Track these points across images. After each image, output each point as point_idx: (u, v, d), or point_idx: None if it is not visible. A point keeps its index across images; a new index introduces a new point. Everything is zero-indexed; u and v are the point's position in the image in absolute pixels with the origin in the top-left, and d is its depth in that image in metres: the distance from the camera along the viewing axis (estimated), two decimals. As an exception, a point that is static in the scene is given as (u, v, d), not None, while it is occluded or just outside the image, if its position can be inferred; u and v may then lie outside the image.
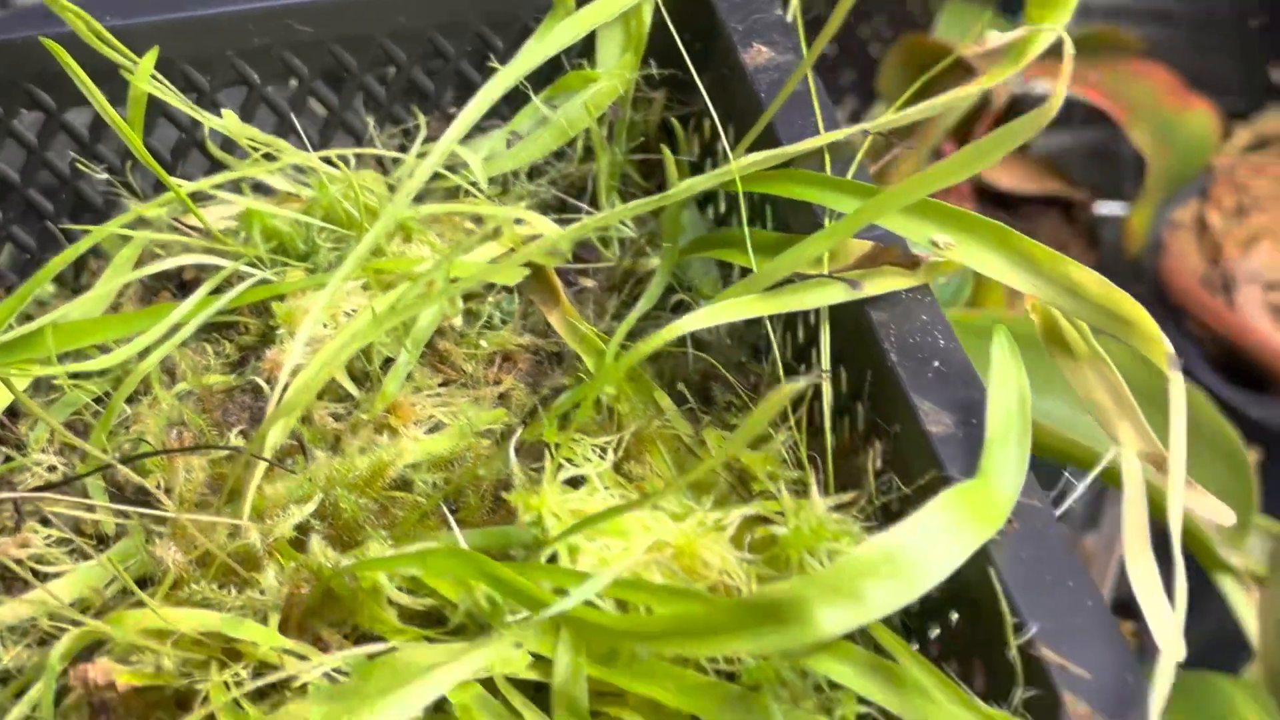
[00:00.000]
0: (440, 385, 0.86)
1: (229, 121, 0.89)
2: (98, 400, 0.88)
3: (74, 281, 0.98)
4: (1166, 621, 0.64)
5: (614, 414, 0.79)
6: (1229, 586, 1.20)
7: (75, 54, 0.86)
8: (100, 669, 0.68)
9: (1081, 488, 0.72)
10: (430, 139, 0.95)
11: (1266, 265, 1.73)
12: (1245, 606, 1.19)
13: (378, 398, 0.83)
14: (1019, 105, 2.10)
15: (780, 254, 0.72)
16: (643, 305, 0.85)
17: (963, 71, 1.74)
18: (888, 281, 0.74)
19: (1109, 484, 0.75)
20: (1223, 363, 1.72)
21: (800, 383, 0.51)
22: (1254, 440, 1.48)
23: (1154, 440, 0.72)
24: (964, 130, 1.74)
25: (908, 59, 1.75)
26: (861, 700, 0.66)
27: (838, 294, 0.72)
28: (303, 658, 0.70)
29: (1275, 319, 1.68)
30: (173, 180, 0.86)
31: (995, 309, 1.39)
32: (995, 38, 0.69)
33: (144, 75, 0.84)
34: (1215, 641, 1.29)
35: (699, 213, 0.95)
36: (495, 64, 0.95)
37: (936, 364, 0.71)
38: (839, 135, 0.81)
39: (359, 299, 0.88)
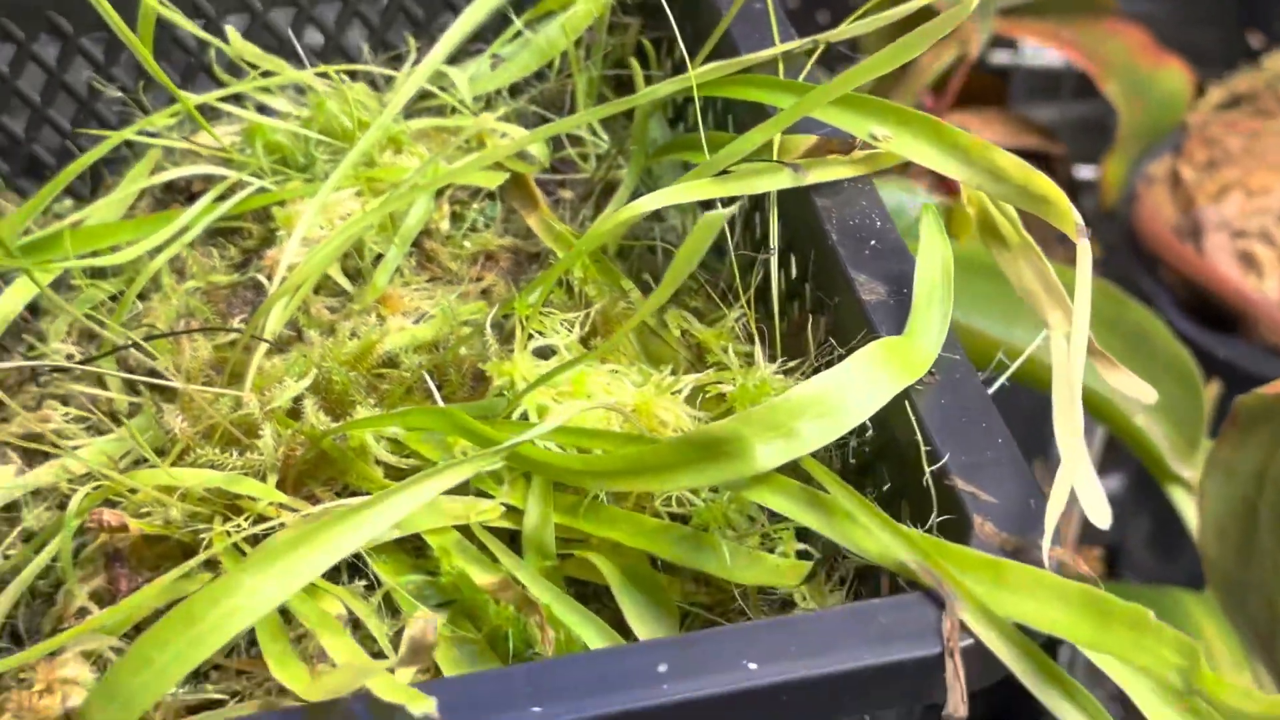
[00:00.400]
0: (427, 281, 0.93)
1: (233, 41, 0.96)
2: (112, 298, 0.95)
3: (90, 197, 1.05)
4: (1090, 481, 0.71)
5: (583, 297, 0.86)
6: (1179, 496, 1.27)
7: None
8: (113, 513, 0.76)
9: (1013, 368, 0.79)
10: (420, 62, 1.02)
11: (1235, 214, 1.80)
12: (1192, 516, 1.25)
13: (368, 289, 0.90)
14: (1005, 74, 2.17)
15: (727, 147, 0.80)
16: (613, 205, 0.92)
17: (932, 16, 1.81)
18: (831, 170, 0.81)
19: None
20: (1193, 306, 1.79)
21: (723, 211, 0.58)
22: (1220, 376, 1.55)
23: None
24: (942, 83, 1.81)
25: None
26: (800, 539, 0.74)
27: (784, 179, 0.79)
28: (296, 510, 0.77)
29: (1242, 264, 1.75)
30: (182, 94, 0.93)
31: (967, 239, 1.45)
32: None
33: (152, -8, 0.92)
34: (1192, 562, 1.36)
35: (670, 128, 1.02)
36: (479, -12, 1.02)
37: (873, 242, 0.78)
38: (792, 46, 0.88)
39: (353, 205, 0.95)
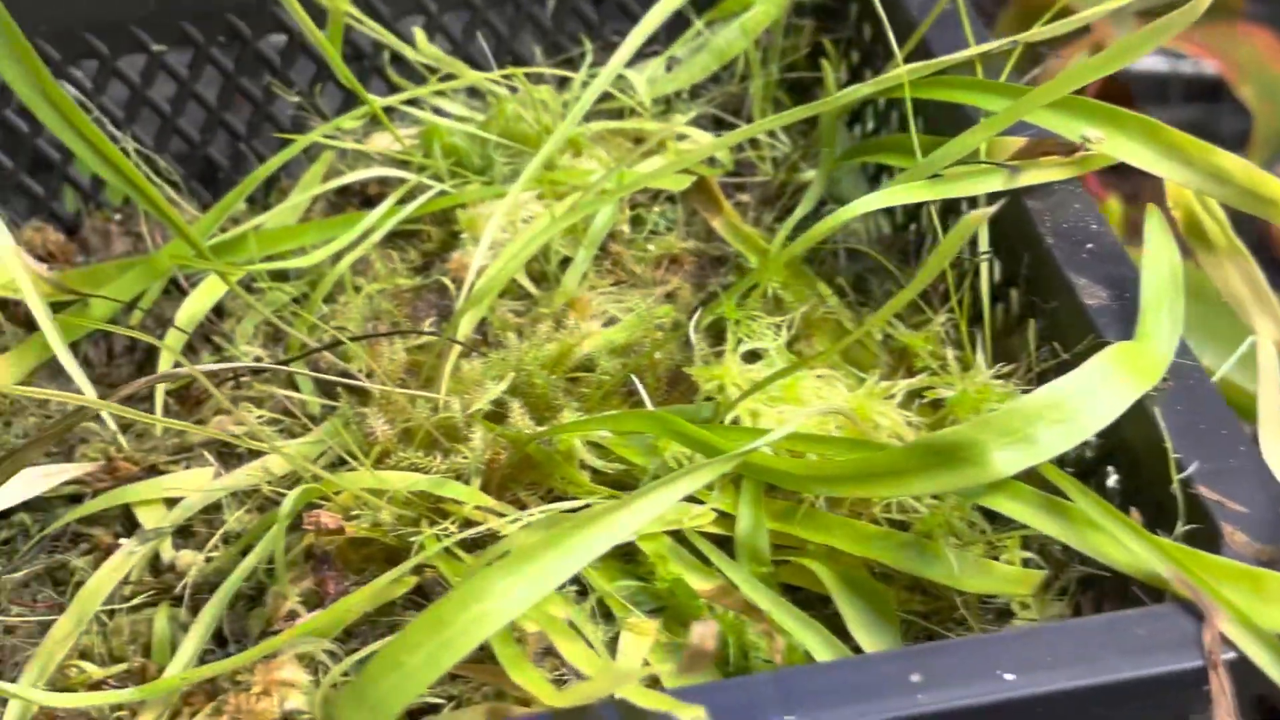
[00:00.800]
0: (612, 285, 0.93)
1: (420, 44, 0.96)
2: (295, 300, 0.95)
3: (263, 199, 1.05)
4: None
5: (780, 302, 0.85)
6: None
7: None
8: (330, 516, 0.76)
9: (1225, 367, 0.78)
10: (595, 64, 1.02)
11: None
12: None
13: (557, 293, 0.90)
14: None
15: (941, 148, 0.79)
16: (802, 209, 0.91)
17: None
18: (1043, 173, 0.79)
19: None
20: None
21: (983, 211, 0.57)
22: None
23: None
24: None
25: (1025, 6, 1.80)
26: (1024, 546, 0.72)
27: (997, 181, 0.78)
28: (503, 515, 0.77)
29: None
30: (370, 97, 0.93)
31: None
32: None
33: (343, -4, 0.92)
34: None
35: (846, 131, 1.01)
36: (658, -9, 1.01)
37: (1090, 246, 0.77)
38: (992, 46, 0.87)
39: (534, 207, 0.95)
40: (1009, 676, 0.59)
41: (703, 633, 0.53)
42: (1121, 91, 1.95)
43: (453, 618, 0.60)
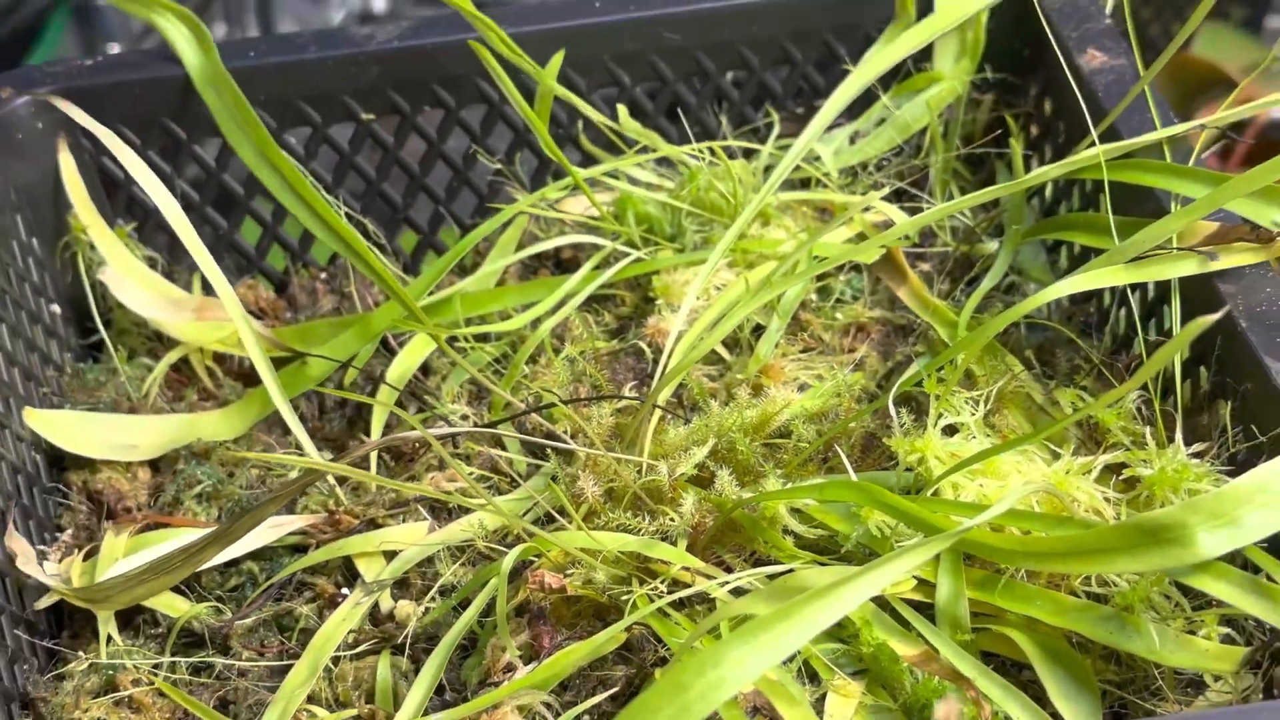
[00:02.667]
0: (801, 352, 0.96)
1: (623, 119, 1.01)
2: (495, 361, 1.00)
3: (459, 262, 1.10)
4: None
5: (970, 375, 0.89)
6: None
7: (466, 61, 0.99)
8: (553, 575, 0.80)
9: None
10: (781, 135, 1.06)
11: None
12: None
13: (751, 360, 0.94)
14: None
15: (1135, 233, 0.82)
16: (989, 282, 0.95)
17: (1225, 86, 1.81)
18: (1237, 257, 0.82)
19: None
20: None
21: (1211, 317, 0.60)
22: None
23: None
24: (1225, 148, 1.80)
25: (1174, 75, 1.81)
26: (1224, 622, 0.75)
27: (1193, 266, 0.81)
28: (710, 576, 0.81)
29: None
30: (573, 168, 0.97)
31: None
32: None
33: (552, 73, 0.97)
34: None
35: (1025, 203, 1.04)
36: (848, 66, 1.05)
37: (1284, 330, 0.80)
38: (1180, 129, 0.90)
39: (727, 275, 0.99)
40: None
41: (947, 710, 0.57)
42: (1272, 147, 1.96)
43: (691, 682, 0.64)
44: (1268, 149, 1.90)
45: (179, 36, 1.02)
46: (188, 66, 1.01)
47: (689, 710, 0.64)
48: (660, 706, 0.64)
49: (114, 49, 2.03)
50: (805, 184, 1.05)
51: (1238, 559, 0.72)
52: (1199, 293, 0.84)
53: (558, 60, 0.97)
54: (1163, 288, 0.88)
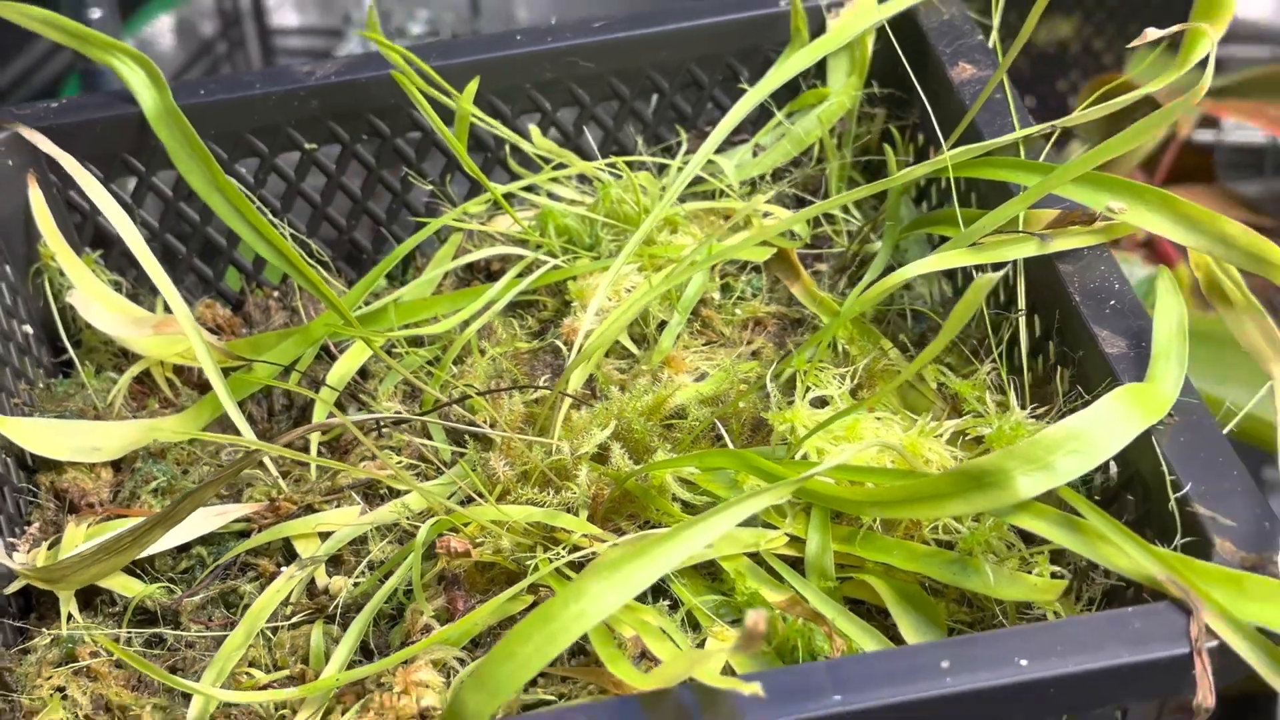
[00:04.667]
0: (703, 344, 1.05)
1: (535, 138, 1.11)
2: (429, 363, 1.09)
3: (401, 276, 1.20)
4: None
5: (848, 356, 0.97)
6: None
7: (398, 92, 1.09)
8: (459, 540, 0.89)
9: (1247, 408, 0.88)
10: (689, 152, 1.15)
11: None
12: None
13: (655, 352, 1.03)
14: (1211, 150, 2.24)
15: (981, 220, 0.91)
16: (869, 275, 1.03)
17: (1150, 107, 1.89)
18: (1072, 240, 0.91)
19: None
20: None
21: (994, 275, 0.69)
22: None
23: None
24: (1152, 161, 1.89)
25: (1105, 98, 1.90)
26: (1052, 562, 0.83)
27: (1031, 248, 0.90)
28: (605, 541, 0.90)
29: None
30: (491, 184, 1.07)
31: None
32: (1154, 33, 0.86)
33: (468, 99, 1.06)
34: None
35: (914, 207, 1.13)
36: (745, 86, 1.15)
37: (1113, 302, 0.88)
38: (1032, 131, 0.99)
39: (636, 279, 1.08)
40: (1024, 662, 0.71)
41: (755, 618, 0.65)
42: (1201, 163, 2.05)
43: (557, 614, 0.73)
44: (1193, 167, 1.99)
45: (134, 78, 1.12)
46: (143, 105, 1.11)
47: (555, 639, 0.73)
48: (530, 636, 0.73)
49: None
50: (713, 196, 1.15)
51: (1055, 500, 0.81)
52: (1041, 274, 0.93)
53: (472, 87, 1.07)
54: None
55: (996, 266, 0.95)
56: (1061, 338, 0.91)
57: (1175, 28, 0.87)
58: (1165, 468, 0.78)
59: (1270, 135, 2.18)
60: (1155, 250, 1.73)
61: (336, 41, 2.57)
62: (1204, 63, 0.91)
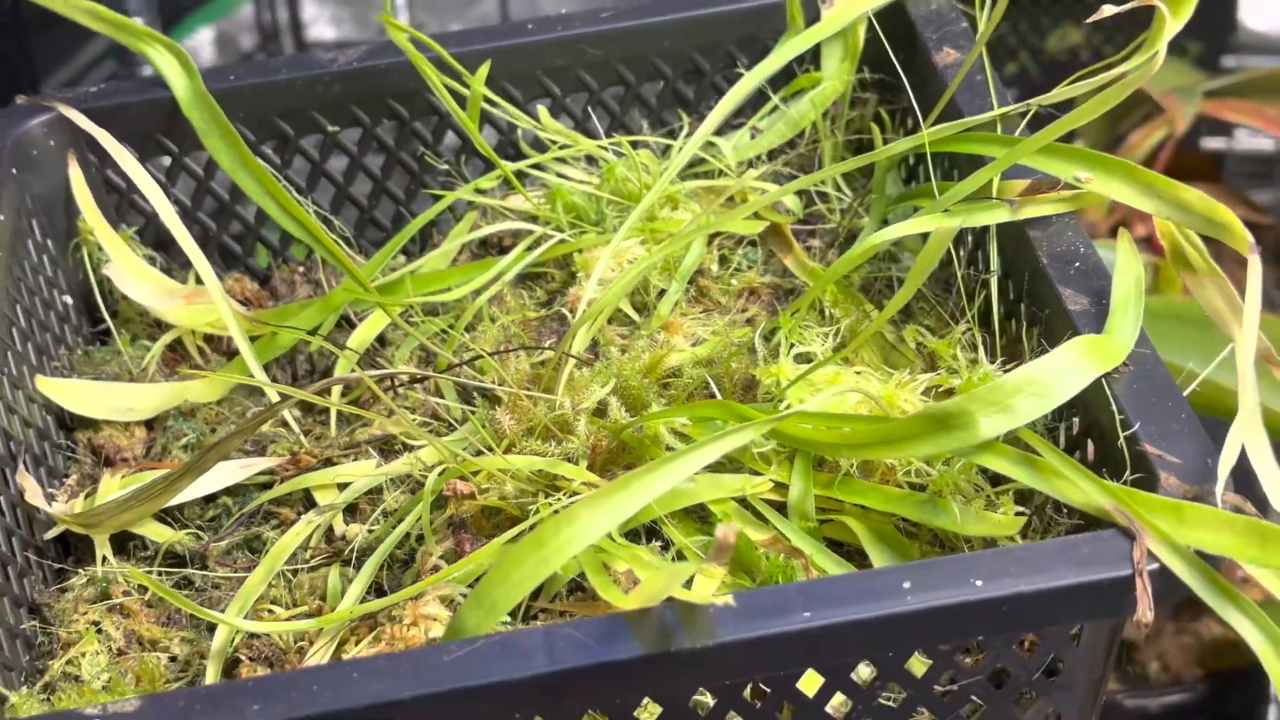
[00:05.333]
0: (700, 312, 1.12)
1: (544, 119, 1.17)
2: (441, 332, 1.16)
3: (418, 252, 1.27)
4: (1269, 465, 0.84)
5: (832, 318, 1.04)
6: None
7: (417, 78, 1.16)
8: (465, 484, 0.95)
9: (1205, 373, 0.93)
10: (691, 134, 1.22)
11: None
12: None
13: (654, 318, 1.09)
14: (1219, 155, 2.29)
15: (955, 187, 0.97)
16: (856, 247, 1.09)
17: (1150, 107, 1.95)
18: (1039, 208, 0.97)
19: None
20: None
21: (953, 224, 0.75)
22: None
23: (1265, 340, 0.93)
24: (1149, 162, 1.94)
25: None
26: (1017, 503, 0.89)
27: (1001, 214, 0.96)
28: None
29: None
30: (503, 163, 1.14)
31: (1172, 294, 1.59)
32: (1109, 9, 0.92)
33: (479, 81, 1.13)
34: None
35: (903, 186, 1.19)
36: (743, 71, 1.21)
37: (1077, 264, 0.94)
38: (1009, 109, 1.05)
39: (638, 251, 1.14)
40: (979, 583, 0.77)
41: (724, 530, 0.72)
42: (1206, 166, 2.10)
43: (549, 539, 0.79)
44: (1198, 169, 2.05)
45: (167, 65, 1.19)
46: (175, 90, 1.18)
47: (547, 561, 0.79)
48: (524, 559, 0.79)
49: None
50: (713, 175, 1.21)
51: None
52: (1015, 240, 0.99)
53: (484, 69, 1.14)
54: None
55: (975, 237, 1.01)
56: (1031, 299, 0.97)
57: (1132, 4, 0.92)
58: (1116, 408, 0.84)
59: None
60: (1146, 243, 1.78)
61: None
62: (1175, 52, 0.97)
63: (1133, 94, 1.04)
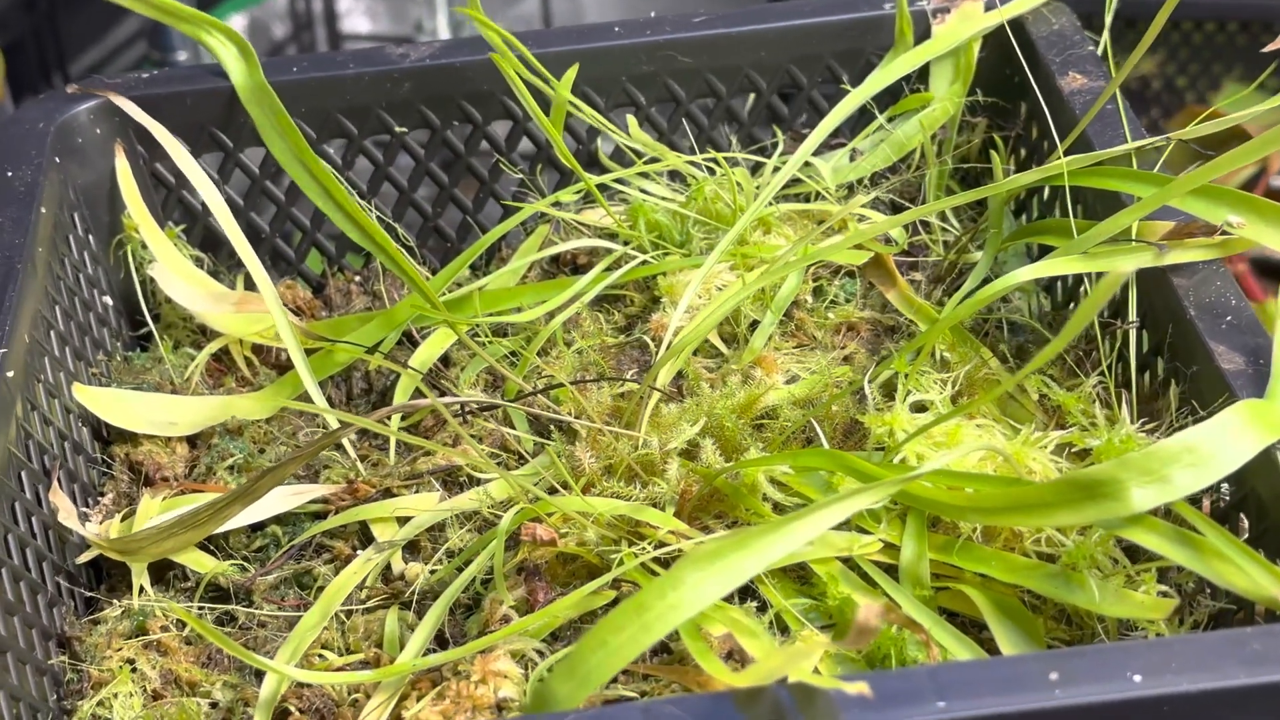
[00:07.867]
0: (794, 347, 1.03)
1: (633, 130, 1.09)
2: (511, 354, 1.07)
3: (485, 267, 1.18)
4: None
5: (946, 363, 0.95)
6: None
7: (492, 79, 1.07)
8: (545, 529, 0.87)
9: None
10: (785, 153, 1.13)
11: None
12: None
13: (746, 352, 1.01)
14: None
15: (1095, 227, 0.88)
16: (970, 283, 1.01)
17: (1241, 139, 1.86)
18: (1189, 253, 0.88)
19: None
20: None
21: (1124, 270, 0.67)
22: None
23: None
24: (1246, 189, 1.86)
25: (1191, 116, 1.88)
26: (1162, 581, 0.81)
27: (1146, 258, 0.88)
28: (691, 539, 0.87)
29: None
30: (586, 175, 1.05)
31: None
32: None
33: (565, 87, 1.05)
34: None
35: (1013, 219, 1.11)
36: (847, 87, 1.13)
37: (1229, 318, 0.86)
38: (1146, 143, 0.96)
39: (728, 278, 1.06)
40: (1137, 678, 0.68)
41: (868, 611, 0.63)
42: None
43: (652, 604, 0.70)
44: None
45: (226, 53, 1.11)
46: (234, 80, 1.10)
47: (649, 629, 0.71)
48: (623, 625, 0.71)
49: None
50: (809, 199, 1.12)
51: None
52: (1155, 286, 0.90)
53: (572, 73, 1.05)
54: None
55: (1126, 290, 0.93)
56: (1173, 353, 0.88)
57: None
58: (1283, 484, 0.75)
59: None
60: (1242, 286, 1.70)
61: (408, 50, 2.58)
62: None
63: (1225, 124, 0.97)
